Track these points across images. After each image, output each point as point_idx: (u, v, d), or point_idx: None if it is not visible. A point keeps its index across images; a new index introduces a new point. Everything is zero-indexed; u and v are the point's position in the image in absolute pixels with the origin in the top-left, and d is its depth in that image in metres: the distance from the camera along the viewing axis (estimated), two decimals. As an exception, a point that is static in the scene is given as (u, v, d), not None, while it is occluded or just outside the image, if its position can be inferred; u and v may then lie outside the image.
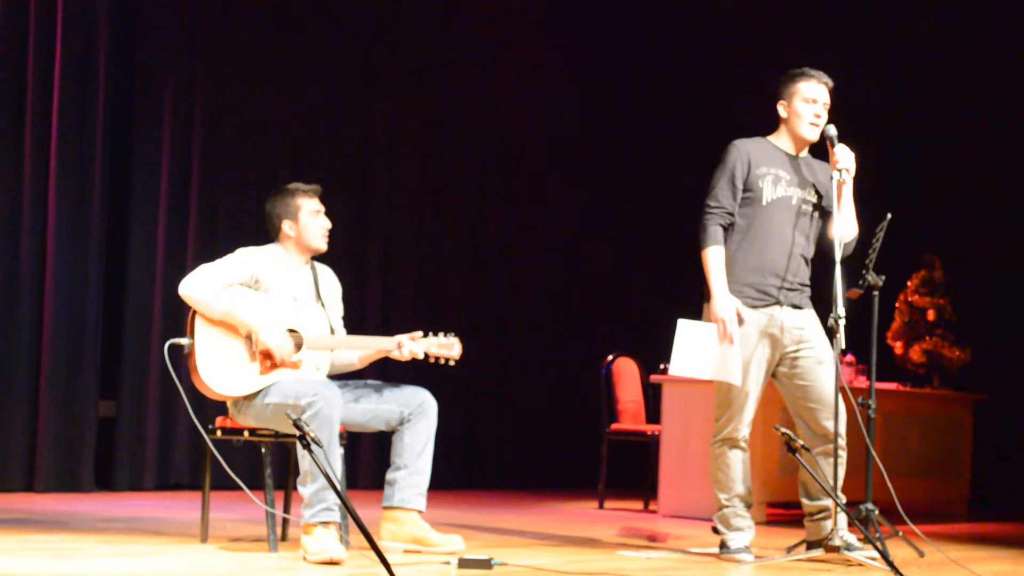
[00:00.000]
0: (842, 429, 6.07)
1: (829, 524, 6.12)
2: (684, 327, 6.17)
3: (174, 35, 9.27)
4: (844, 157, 6.12)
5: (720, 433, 6.24)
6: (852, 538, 6.05)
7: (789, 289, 6.20)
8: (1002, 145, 10.94)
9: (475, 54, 10.91)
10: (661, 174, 11.59)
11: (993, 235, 11.00)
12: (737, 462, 6.25)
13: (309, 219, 6.03)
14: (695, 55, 11.75)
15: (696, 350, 6.13)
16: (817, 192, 6.26)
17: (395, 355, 6.01)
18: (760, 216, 6.19)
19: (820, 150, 6.32)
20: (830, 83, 6.28)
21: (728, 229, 6.21)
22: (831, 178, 6.15)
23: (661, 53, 11.71)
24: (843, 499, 5.99)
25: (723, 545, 6.25)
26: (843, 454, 6.08)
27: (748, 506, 6.29)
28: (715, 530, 6.34)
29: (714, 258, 6.16)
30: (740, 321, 6.12)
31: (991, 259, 10.96)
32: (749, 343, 6.14)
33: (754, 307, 6.16)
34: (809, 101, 6.23)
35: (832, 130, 6.19)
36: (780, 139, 6.32)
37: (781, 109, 6.30)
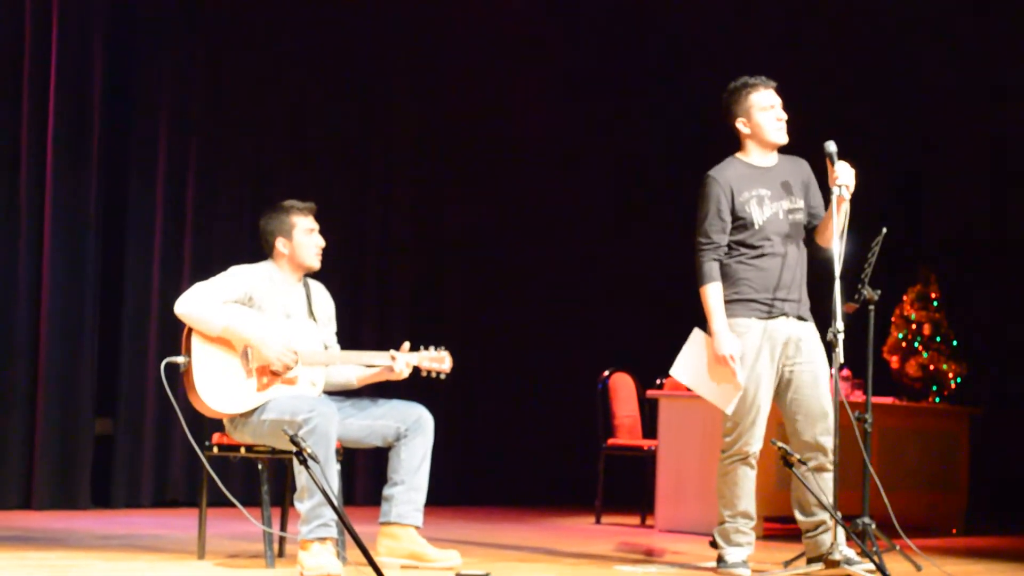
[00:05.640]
0: (831, 444, 6.07)
1: (828, 539, 6.09)
2: (696, 337, 6.17)
3: (169, 58, 9.29)
4: (844, 174, 6.07)
5: (731, 448, 6.19)
6: (851, 553, 6.04)
7: (790, 300, 6.18)
8: (999, 154, 10.96)
9: (470, 76, 10.89)
10: (658, 188, 11.57)
11: (990, 248, 11.01)
12: (746, 479, 6.21)
13: (303, 237, 6.04)
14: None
15: (699, 362, 6.13)
16: (794, 193, 6.26)
17: (395, 373, 6.00)
18: (755, 238, 6.17)
19: (787, 148, 6.32)
20: (774, 83, 6.28)
21: (726, 254, 6.19)
22: (806, 174, 6.25)
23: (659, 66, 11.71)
24: (839, 514, 5.98)
25: (720, 559, 6.23)
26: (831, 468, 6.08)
27: (750, 523, 6.27)
28: (713, 544, 6.32)
29: (713, 295, 6.14)
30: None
31: (988, 272, 10.96)
32: (754, 356, 6.11)
33: (760, 319, 6.15)
34: (767, 108, 6.22)
35: (832, 146, 6.13)
36: (749, 155, 6.29)
37: (741, 126, 6.26)
